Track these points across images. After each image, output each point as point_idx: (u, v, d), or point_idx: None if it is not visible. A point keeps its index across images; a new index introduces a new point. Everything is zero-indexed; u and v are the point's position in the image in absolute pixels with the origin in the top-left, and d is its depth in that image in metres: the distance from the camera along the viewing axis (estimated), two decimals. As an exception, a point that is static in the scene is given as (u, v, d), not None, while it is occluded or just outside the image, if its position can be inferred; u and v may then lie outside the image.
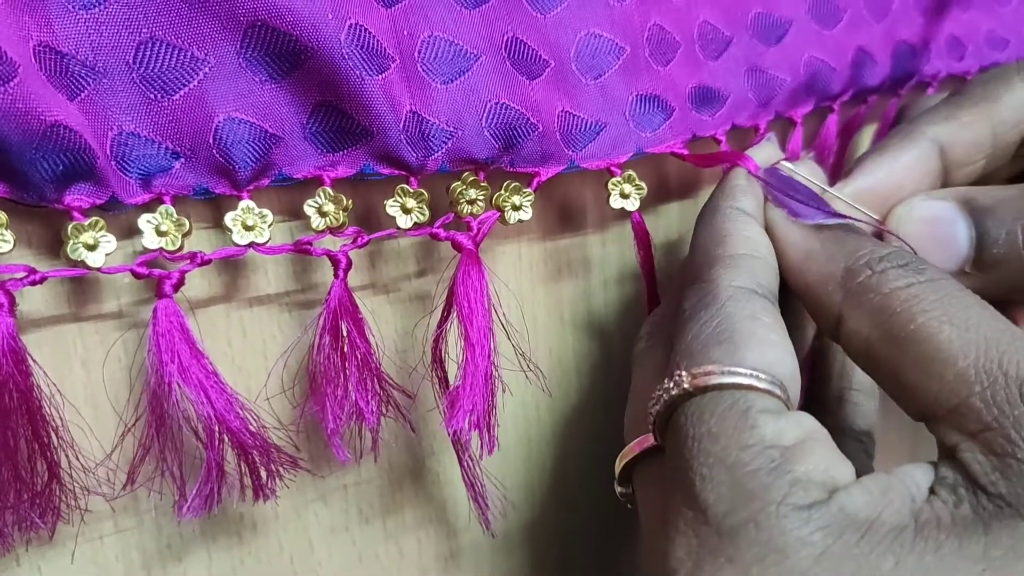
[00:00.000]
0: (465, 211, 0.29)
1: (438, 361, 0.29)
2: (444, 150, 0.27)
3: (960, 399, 0.22)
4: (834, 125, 0.38)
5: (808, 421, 0.23)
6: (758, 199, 0.29)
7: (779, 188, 0.29)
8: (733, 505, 0.21)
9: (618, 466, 0.28)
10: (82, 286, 0.25)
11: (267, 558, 0.30)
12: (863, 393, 0.35)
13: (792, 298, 0.28)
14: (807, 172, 0.30)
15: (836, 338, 0.26)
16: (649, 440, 0.26)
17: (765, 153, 0.31)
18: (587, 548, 0.39)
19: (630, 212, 0.32)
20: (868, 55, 0.37)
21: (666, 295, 0.33)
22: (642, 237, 0.33)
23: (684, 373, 0.24)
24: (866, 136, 0.42)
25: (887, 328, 0.24)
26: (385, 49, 0.25)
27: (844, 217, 0.27)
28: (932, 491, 0.22)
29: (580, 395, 0.37)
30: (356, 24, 0.25)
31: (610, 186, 0.31)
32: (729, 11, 0.33)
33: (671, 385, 0.24)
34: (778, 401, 0.23)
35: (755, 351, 0.24)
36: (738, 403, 0.23)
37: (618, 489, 0.28)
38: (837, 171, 0.39)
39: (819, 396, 0.36)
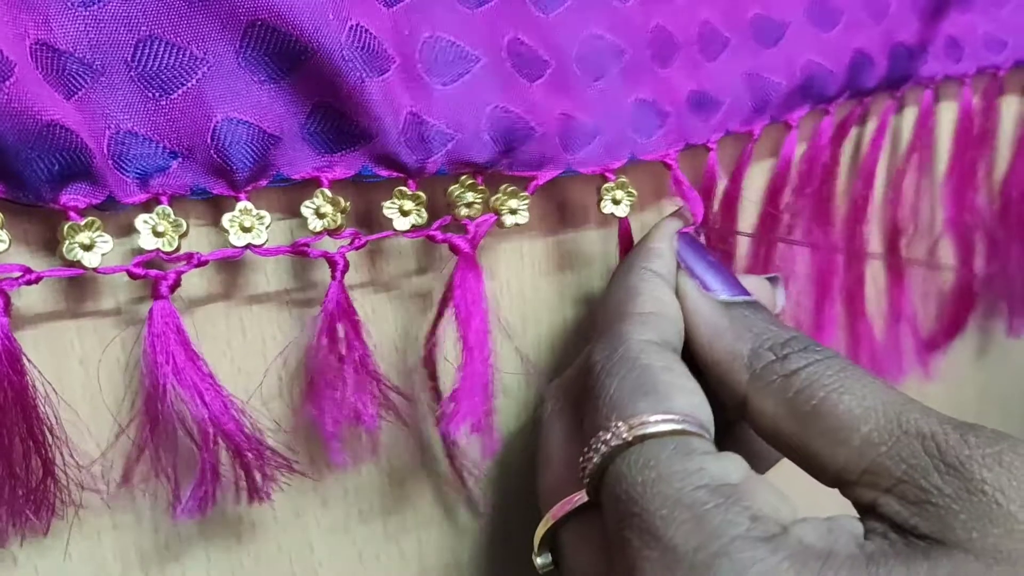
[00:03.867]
0: (462, 214, 0.28)
1: (431, 366, 0.29)
2: (443, 153, 0.27)
3: (869, 460, 0.23)
4: (828, 128, 0.38)
5: (742, 461, 0.24)
6: (672, 266, 0.30)
7: (693, 257, 0.30)
8: (701, 541, 0.22)
9: (539, 535, 0.28)
10: (80, 283, 0.25)
11: (266, 559, 0.30)
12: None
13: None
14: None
15: (742, 415, 0.27)
16: (577, 498, 0.26)
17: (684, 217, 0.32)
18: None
19: (620, 218, 0.32)
20: (867, 57, 0.37)
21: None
22: (626, 243, 0.33)
23: (621, 424, 0.24)
24: (865, 136, 0.42)
25: (792, 405, 0.25)
26: (386, 50, 0.25)
27: (748, 294, 0.29)
28: (866, 537, 0.23)
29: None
30: (357, 25, 0.25)
31: (602, 191, 0.31)
32: (729, 11, 0.33)
33: (609, 436, 0.24)
34: (710, 443, 0.24)
35: (680, 399, 0.25)
36: (680, 447, 0.23)
37: (538, 561, 0.28)
38: (829, 174, 0.39)
39: None
